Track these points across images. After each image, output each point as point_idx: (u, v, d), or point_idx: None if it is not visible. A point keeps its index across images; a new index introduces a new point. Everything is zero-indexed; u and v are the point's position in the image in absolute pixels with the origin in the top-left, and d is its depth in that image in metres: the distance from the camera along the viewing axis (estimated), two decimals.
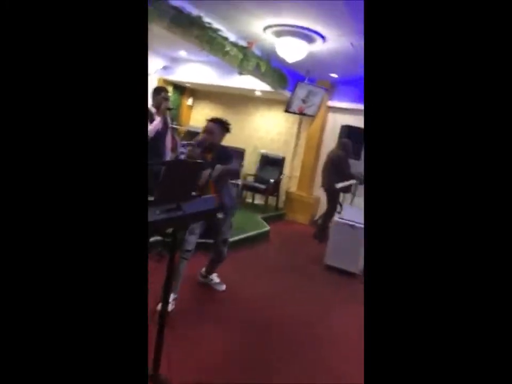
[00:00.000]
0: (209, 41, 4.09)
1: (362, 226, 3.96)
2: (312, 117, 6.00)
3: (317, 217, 6.09)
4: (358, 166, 5.89)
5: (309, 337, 2.61)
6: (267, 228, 4.99)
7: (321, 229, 5.22)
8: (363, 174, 5.79)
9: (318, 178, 6.18)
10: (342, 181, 5.11)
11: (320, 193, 6.26)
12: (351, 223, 3.99)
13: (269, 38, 4.33)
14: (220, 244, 2.90)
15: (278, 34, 4.11)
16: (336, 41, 4.11)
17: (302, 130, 6.50)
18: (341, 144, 5.25)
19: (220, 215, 2.72)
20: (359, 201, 5.83)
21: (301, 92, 5.48)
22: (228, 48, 4.30)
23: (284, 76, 5.54)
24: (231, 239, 4.08)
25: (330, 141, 6.11)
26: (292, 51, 4.14)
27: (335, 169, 5.10)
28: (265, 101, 6.77)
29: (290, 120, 6.58)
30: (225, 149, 2.81)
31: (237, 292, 3.13)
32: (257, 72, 5.01)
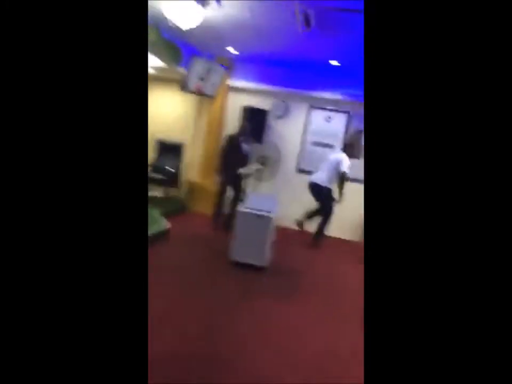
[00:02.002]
0: None
1: (270, 215, 3.58)
2: (212, 97, 5.45)
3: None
4: (261, 149, 5.56)
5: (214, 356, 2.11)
6: (165, 226, 4.34)
7: (229, 218, 4.78)
8: (269, 157, 5.52)
9: None
10: (241, 166, 4.73)
11: None
12: (257, 212, 3.58)
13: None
14: None
15: None
16: (233, 6, 3.61)
17: (201, 113, 5.92)
18: (239, 128, 4.98)
19: None
20: (266, 187, 5.54)
21: (198, 68, 4.89)
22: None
23: (177, 49, 4.88)
24: None
25: (232, 124, 5.68)
26: (183, 13, 3.52)
27: (233, 154, 4.76)
28: (159, 80, 6.01)
29: (189, 102, 5.94)
30: None
31: None
32: None
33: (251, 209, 3.61)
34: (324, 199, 4.71)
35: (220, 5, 3.62)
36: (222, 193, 4.94)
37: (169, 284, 3.03)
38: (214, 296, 2.94)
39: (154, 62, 4.97)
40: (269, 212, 3.60)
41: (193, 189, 5.81)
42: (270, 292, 3.23)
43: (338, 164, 4.59)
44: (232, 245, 3.66)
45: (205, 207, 5.56)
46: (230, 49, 5.12)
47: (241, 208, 3.68)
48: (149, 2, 3.57)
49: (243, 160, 4.87)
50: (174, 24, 3.75)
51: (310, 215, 4.91)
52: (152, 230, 4.03)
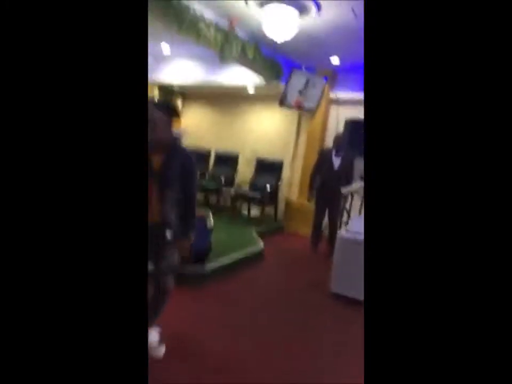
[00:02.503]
0: (179, 19, 3.33)
1: None
2: (312, 112, 5.15)
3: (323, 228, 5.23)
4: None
5: None
6: (260, 246, 4.13)
7: (329, 243, 4.37)
8: None
9: None
10: (334, 182, 4.28)
11: None
12: (359, 237, 3.11)
13: (253, 14, 3.54)
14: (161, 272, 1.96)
15: (262, 4, 3.31)
16: (333, 10, 3.29)
17: (301, 129, 5.65)
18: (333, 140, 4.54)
19: (168, 234, 1.88)
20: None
21: (297, 81, 4.65)
22: (202, 27, 3.51)
23: (277, 64, 4.74)
24: (215, 264, 3.21)
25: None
26: (280, 23, 3.33)
27: (325, 169, 4.37)
28: (259, 98, 5.94)
29: (289, 118, 5.73)
30: (184, 151, 1.96)
31: (202, 344, 2.26)
32: (244, 60, 4.22)
33: (354, 234, 3.15)
34: None
35: (320, 12, 3.33)
36: (318, 213, 4.51)
37: (256, 315, 2.75)
38: (310, 332, 2.56)
39: (254, 80, 4.91)
40: None
41: (291, 207, 5.53)
42: None
43: None
44: (332, 275, 3.24)
45: (302, 226, 5.21)
46: (333, 59, 4.77)
47: (342, 232, 3.24)
48: (247, 11, 3.47)
49: (337, 176, 4.32)
50: (271, 38, 3.59)
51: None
52: (244, 250, 3.85)
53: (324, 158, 4.44)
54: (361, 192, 4.83)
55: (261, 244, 4.18)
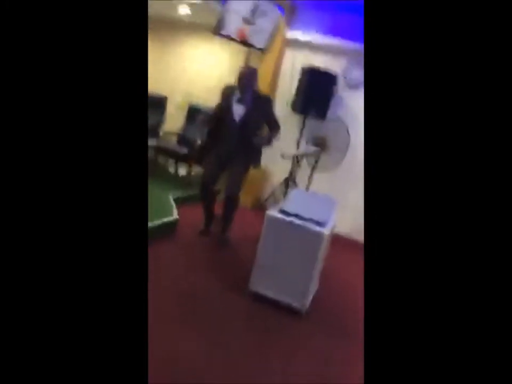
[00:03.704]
0: None
1: (321, 229, 2.18)
2: (262, 51, 4.05)
3: (266, 198, 4.32)
4: (321, 128, 4.08)
5: None
6: (171, 217, 3.11)
7: (224, 223, 3.19)
8: (331, 139, 4.05)
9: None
10: (233, 141, 2.97)
11: (269, 162, 4.45)
12: (297, 220, 2.20)
13: None
14: None
15: None
16: None
17: None
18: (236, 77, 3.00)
19: None
20: (319, 181, 4.05)
21: (242, 4, 3.51)
22: None
23: None
24: None
25: (287, 90, 4.28)
26: None
27: (223, 122, 3.01)
28: (195, 26, 4.69)
29: (234, 58, 4.60)
30: None
31: None
32: None
33: (290, 215, 2.23)
34: None
35: None
36: (208, 182, 3.06)
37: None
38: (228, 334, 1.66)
39: None
40: (321, 224, 2.19)
41: None
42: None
43: None
44: (254, 270, 2.33)
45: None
46: None
47: (272, 212, 2.31)
48: None
49: (238, 131, 2.94)
50: None
51: None
52: (154, 220, 2.83)
53: (221, 104, 3.05)
54: (312, 159, 3.92)
55: (174, 214, 3.18)
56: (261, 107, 2.97)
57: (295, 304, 2.23)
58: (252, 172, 4.34)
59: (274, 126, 3.05)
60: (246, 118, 2.93)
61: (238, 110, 2.93)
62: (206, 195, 3.11)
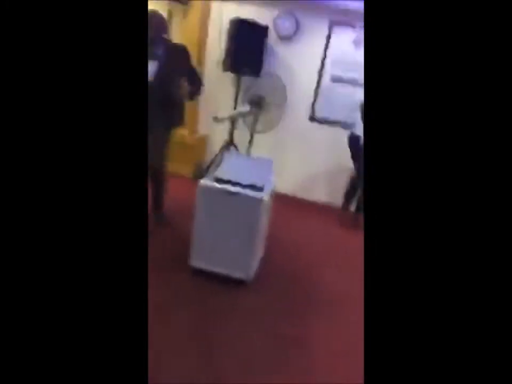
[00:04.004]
0: None
1: (260, 194, 2.03)
2: (185, 3, 3.66)
3: (208, 166, 4.09)
4: (257, 84, 3.85)
5: None
6: None
7: (155, 197, 2.90)
8: (268, 97, 3.84)
9: (206, 106, 4.08)
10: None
11: (207, 129, 4.19)
12: (231, 187, 2.03)
13: None
14: None
15: None
16: None
17: (171, 28, 4.14)
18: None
19: None
20: (260, 144, 3.87)
21: None
22: None
23: None
24: None
25: (217, 47, 4.00)
26: None
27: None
28: None
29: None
30: None
31: None
32: None
33: (224, 182, 2.06)
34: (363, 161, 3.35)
35: None
36: None
37: None
38: None
39: None
40: (259, 189, 2.04)
41: None
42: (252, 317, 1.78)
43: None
44: (193, 244, 2.16)
45: (178, 164, 3.98)
46: None
47: (205, 180, 2.12)
48: None
49: (154, 91, 2.34)
50: None
51: (352, 192, 3.67)
52: None
53: None
54: (251, 119, 3.72)
55: None
56: (176, 60, 2.53)
57: (239, 275, 2.11)
58: (191, 139, 4.08)
59: (194, 80, 2.60)
60: (160, 74, 2.47)
61: (150, 67, 2.42)
62: None
